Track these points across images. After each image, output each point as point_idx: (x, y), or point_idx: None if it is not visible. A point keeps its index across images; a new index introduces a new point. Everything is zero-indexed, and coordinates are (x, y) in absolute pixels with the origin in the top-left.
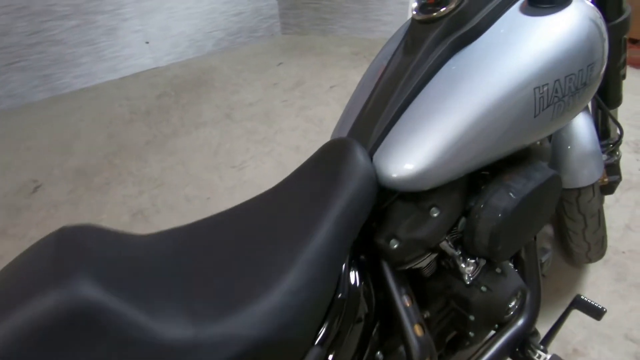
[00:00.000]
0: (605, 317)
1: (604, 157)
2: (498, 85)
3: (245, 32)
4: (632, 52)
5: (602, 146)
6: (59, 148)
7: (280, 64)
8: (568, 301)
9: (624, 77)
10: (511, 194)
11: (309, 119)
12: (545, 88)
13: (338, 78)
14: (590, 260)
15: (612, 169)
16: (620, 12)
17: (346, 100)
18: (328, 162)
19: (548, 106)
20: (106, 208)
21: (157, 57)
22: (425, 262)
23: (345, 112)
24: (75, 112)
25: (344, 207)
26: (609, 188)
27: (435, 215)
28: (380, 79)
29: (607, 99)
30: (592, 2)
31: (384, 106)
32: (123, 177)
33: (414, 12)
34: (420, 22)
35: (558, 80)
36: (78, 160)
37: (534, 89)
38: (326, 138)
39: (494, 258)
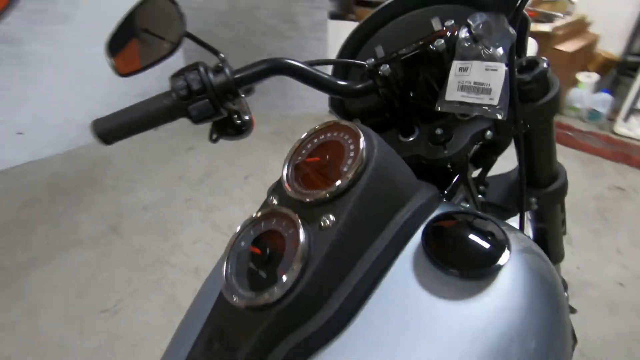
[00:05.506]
0: None
1: None
2: None
3: None
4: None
5: None
6: None
7: (191, 148)
8: None
9: (564, 233)
10: None
11: (216, 226)
12: None
13: (255, 165)
14: None
15: None
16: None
17: (263, 196)
18: None
19: None
20: None
21: (35, 151)
22: None
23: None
24: None
25: None
26: None
27: None
28: None
29: (550, 255)
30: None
31: None
32: None
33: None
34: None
35: None
36: None
37: None
38: None
39: None
